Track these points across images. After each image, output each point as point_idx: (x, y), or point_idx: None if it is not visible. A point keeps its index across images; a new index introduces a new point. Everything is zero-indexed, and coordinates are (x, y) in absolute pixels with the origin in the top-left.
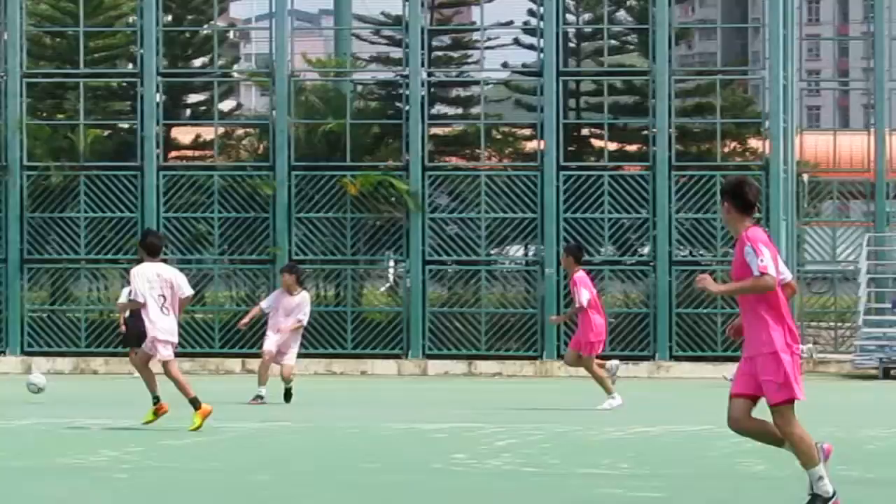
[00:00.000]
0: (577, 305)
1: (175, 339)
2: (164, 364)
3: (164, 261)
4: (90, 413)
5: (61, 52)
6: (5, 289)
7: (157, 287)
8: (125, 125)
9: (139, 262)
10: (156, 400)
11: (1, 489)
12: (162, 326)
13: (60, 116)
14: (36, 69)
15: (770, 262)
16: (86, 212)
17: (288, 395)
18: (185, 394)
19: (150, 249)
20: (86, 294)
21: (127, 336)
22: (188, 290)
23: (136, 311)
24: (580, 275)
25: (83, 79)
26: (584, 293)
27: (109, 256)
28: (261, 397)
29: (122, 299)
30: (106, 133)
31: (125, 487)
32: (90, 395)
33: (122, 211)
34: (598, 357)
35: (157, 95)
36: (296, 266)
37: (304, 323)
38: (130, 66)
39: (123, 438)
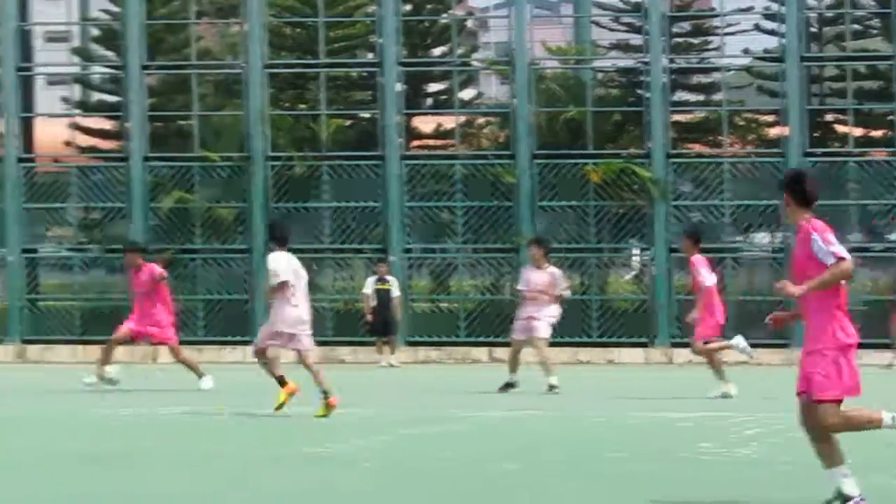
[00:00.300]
0: (706, 285)
1: (295, 330)
2: (264, 351)
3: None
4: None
5: (301, 42)
6: (251, 279)
7: (290, 276)
8: (366, 115)
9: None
10: (325, 394)
11: (249, 477)
12: (286, 316)
13: (302, 106)
14: (277, 60)
15: (842, 247)
16: (329, 201)
17: (551, 388)
18: (275, 372)
19: (282, 239)
20: (331, 284)
21: (374, 325)
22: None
23: (382, 301)
24: (699, 257)
25: (324, 69)
26: (709, 275)
27: (354, 246)
28: (510, 385)
29: (367, 289)
30: (348, 123)
31: (372, 476)
32: (336, 385)
33: (365, 200)
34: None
35: (398, 85)
36: (543, 239)
37: (568, 296)
38: (370, 55)
39: (369, 427)
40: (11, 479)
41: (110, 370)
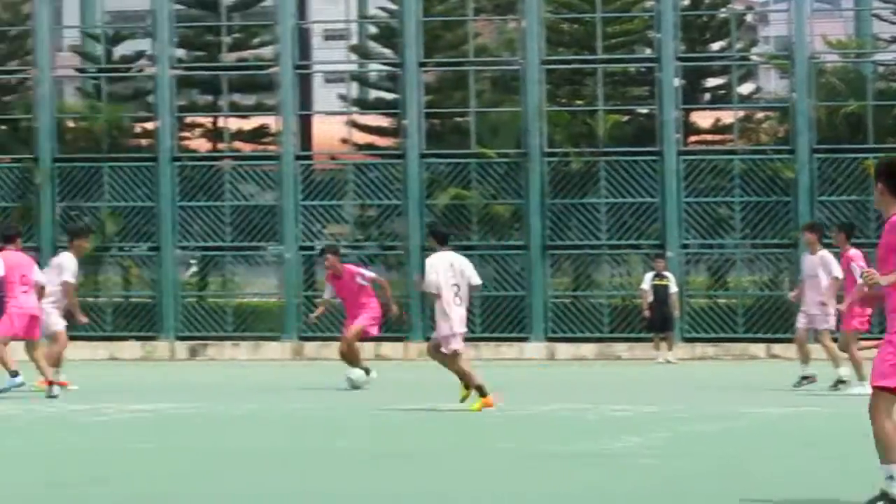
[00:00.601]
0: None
1: (464, 330)
2: (450, 355)
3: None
4: (614, 399)
5: (579, 38)
6: (529, 275)
7: (450, 277)
8: (644, 110)
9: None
10: (480, 392)
11: (522, 473)
12: (455, 317)
13: (579, 102)
14: (554, 56)
15: None
16: (606, 197)
17: (840, 382)
18: (471, 382)
19: (441, 239)
20: (608, 279)
21: (651, 321)
22: (476, 280)
23: (660, 296)
24: (856, 252)
25: (601, 64)
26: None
27: (630, 242)
28: (807, 378)
29: (645, 285)
30: (625, 118)
31: (649, 474)
32: (613, 382)
33: (642, 196)
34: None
35: (676, 80)
36: (816, 224)
37: (839, 277)
38: (648, 50)
39: (647, 424)
40: (284, 474)
41: (357, 374)
